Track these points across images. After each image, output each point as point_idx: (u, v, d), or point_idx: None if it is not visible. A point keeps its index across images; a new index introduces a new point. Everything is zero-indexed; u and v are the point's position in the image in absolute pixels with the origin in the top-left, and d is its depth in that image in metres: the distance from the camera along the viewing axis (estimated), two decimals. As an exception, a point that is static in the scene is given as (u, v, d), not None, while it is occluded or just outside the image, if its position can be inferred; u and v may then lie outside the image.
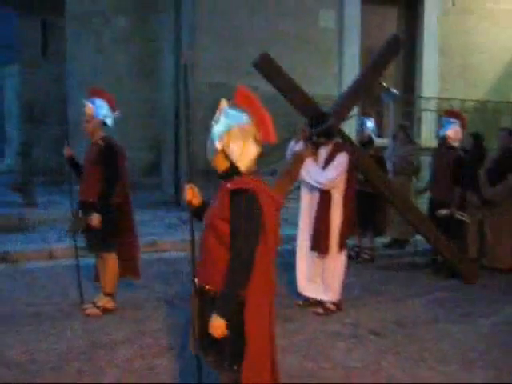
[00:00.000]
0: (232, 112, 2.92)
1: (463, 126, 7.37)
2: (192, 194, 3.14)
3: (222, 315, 2.80)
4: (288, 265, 7.17)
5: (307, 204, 5.99)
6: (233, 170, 2.93)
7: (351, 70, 11.23)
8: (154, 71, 13.06)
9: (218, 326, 2.81)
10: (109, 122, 5.64)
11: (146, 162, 13.53)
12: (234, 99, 2.95)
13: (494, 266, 7.71)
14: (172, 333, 5.20)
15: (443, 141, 7.43)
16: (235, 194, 2.83)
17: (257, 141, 2.93)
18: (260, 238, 2.83)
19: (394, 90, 8.86)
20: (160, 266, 7.51)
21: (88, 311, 5.68)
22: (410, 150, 8.68)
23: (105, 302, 5.73)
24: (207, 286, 2.92)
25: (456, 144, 7.41)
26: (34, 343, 4.95)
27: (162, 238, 8.69)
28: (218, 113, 2.94)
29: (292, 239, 8.61)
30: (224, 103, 2.94)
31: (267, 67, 5.89)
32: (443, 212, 7.17)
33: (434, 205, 7.45)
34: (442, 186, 7.31)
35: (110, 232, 5.58)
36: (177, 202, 11.52)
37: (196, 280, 3.01)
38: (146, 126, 13.17)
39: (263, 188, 2.91)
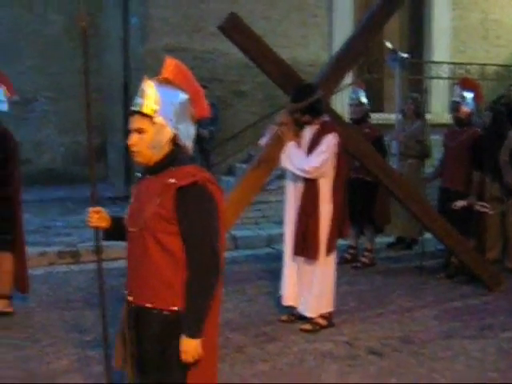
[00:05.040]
0: (165, 89, 3.07)
1: (479, 98, 7.61)
2: (98, 219, 3.29)
3: (197, 334, 2.93)
4: (269, 272, 7.37)
5: (292, 197, 6.10)
6: (175, 157, 3.07)
7: (343, 29, 11.40)
8: (95, 32, 13.07)
9: (192, 348, 2.94)
10: (3, 107, 6.06)
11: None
12: (162, 74, 3.12)
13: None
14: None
15: (457, 116, 7.66)
16: (183, 190, 2.95)
17: (193, 119, 3.15)
18: (219, 235, 3.02)
19: (403, 54, 8.95)
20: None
21: None
22: (419, 126, 8.90)
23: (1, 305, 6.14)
24: (148, 305, 3.02)
25: (473, 120, 7.66)
26: None
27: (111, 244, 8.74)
28: (140, 94, 3.05)
29: (275, 241, 8.84)
30: (148, 81, 3.07)
31: (236, 31, 5.96)
32: (460, 203, 7.39)
33: (446, 195, 7.69)
34: (457, 172, 7.55)
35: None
36: (128, 197, 11.60)
37: (130, 298, 3.13)
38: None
39: (207, 176, 3.06)
